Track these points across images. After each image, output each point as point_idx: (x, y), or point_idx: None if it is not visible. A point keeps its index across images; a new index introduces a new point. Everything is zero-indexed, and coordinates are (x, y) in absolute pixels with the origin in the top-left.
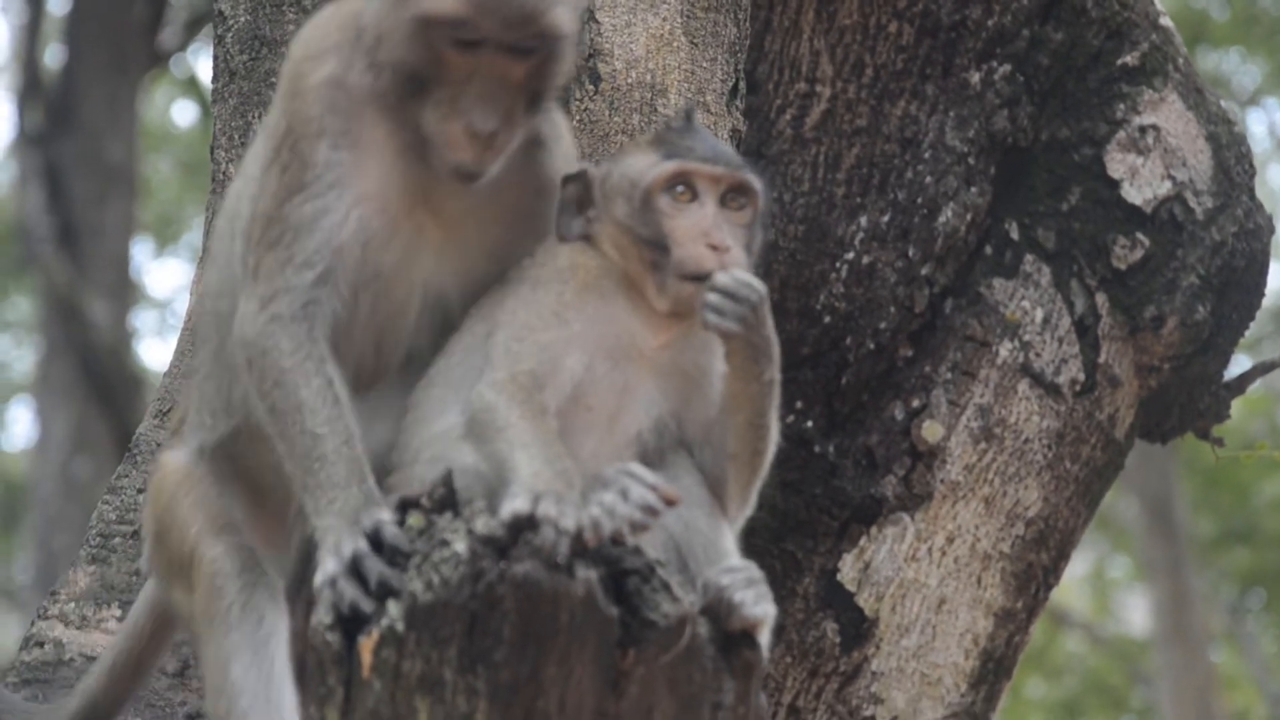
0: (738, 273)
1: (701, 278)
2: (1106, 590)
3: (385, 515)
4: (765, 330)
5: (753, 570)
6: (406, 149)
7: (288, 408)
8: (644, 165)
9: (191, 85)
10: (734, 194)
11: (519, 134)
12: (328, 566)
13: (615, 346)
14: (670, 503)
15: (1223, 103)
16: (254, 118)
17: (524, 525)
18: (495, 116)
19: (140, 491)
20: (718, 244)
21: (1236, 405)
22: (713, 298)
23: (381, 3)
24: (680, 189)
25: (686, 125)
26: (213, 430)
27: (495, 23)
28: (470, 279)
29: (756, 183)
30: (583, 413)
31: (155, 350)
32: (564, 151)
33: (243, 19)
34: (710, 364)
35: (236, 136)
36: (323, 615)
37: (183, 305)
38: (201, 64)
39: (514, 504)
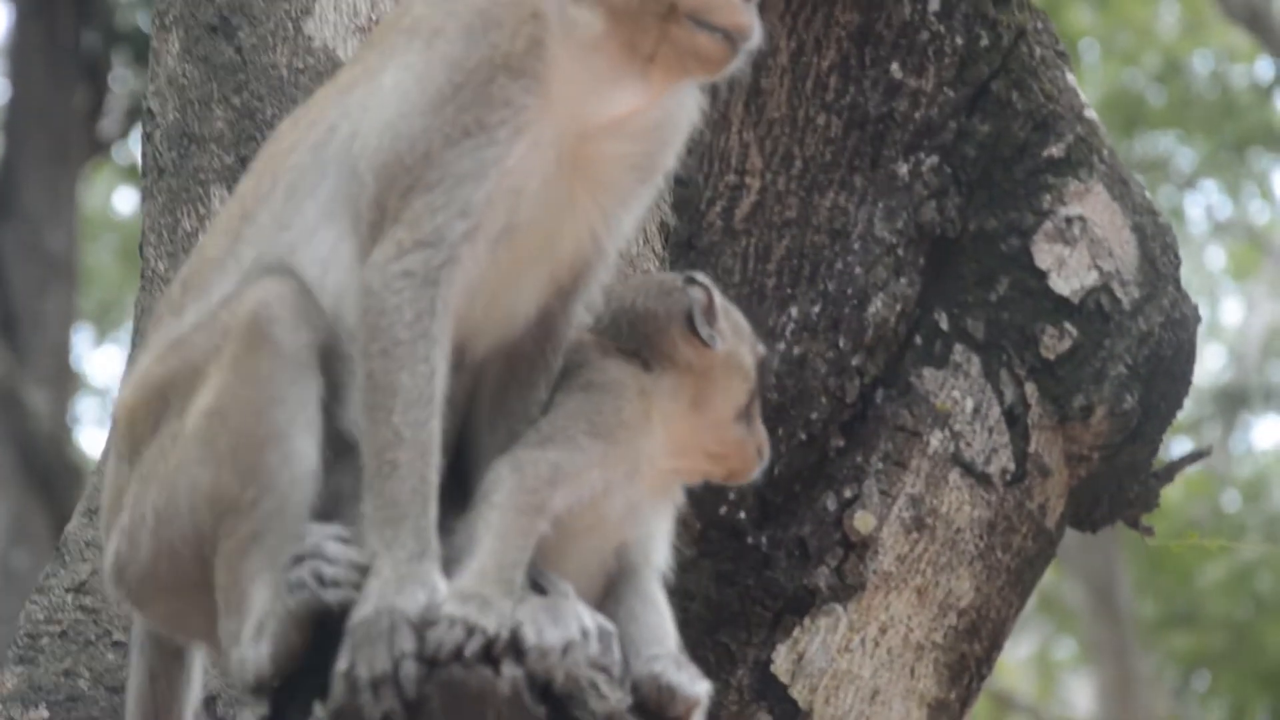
0: None
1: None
2: (1051, 673)
3: (427, 599)
4: None
5: (677, 653)
6: (601, 90)
7: (383, 385)
8: None
9: (133, 173)
10: None
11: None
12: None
13: (634, 470)
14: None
15: (1160, 185)
16: (183, 214)
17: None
18: None
19: (69, 591)
20: None
21: (1179, 488)
22: None
23: None
24: None
25: None
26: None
27: None
28: (596, 229)
29: None
30: (595, 521)
31: (96, 439)
32: (694, 102)
33: (171, 116)
34: (675, 501)
35: (165, 234)
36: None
37: None
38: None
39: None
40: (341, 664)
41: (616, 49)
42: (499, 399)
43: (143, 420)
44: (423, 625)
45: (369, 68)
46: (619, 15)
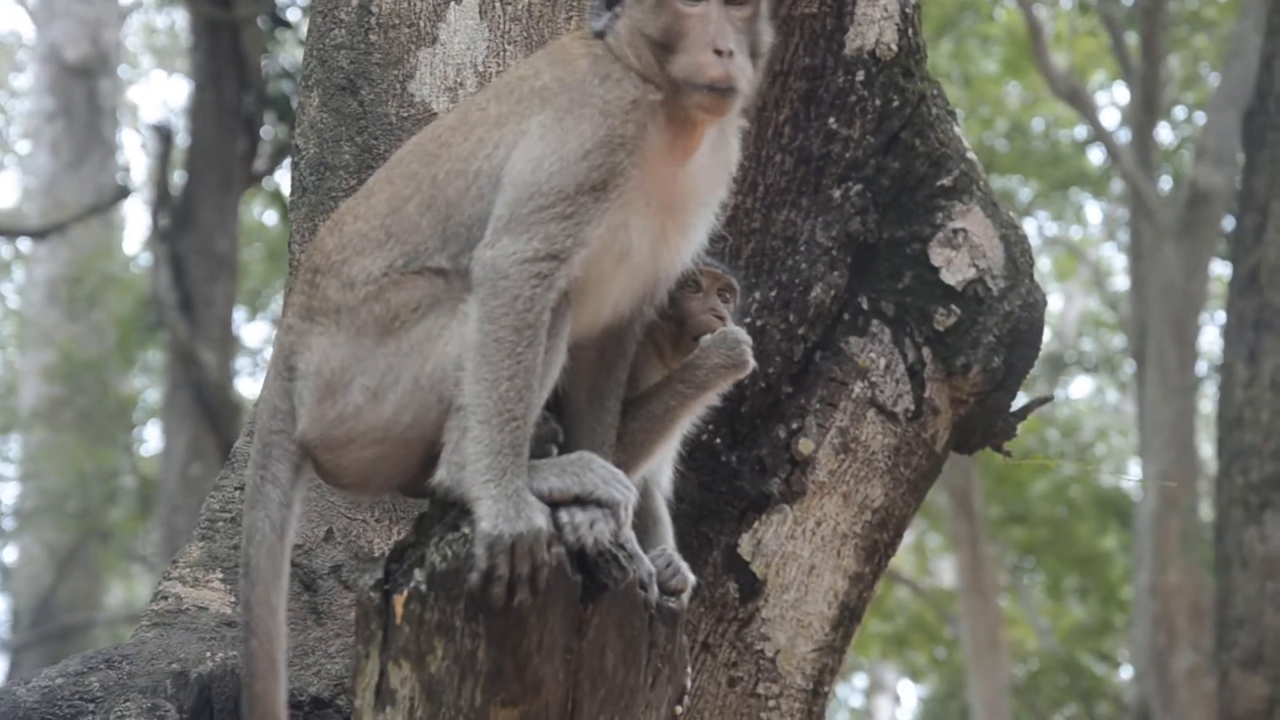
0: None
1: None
2: (925, 555)
3: (542, 522)
4: None
5: (673, 555)
6: (672, 152)
7: (511, 353)
8: None
9: (276, 197)
10: None
11: (751, 76)
12: (498, 526)
13: None
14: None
15: (1009, 213)
16: (319, 221)
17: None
18: (730, 38)
19: (236, 489)
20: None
21: (1020, 426)
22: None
23: (629, 14)
24: None
25: None
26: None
27: None
28: (680, 258)
29: None
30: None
31: (249, 386)
32: (737, 145)
33: (312, 150)
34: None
35: (307, 235)
36: (368, 579)
37: (269, 354)
38: (284, 181)
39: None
40: (481, 565)
41: (667, 116)
42: (593, 377)
43: (406, 309)
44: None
45: (517, 109)
46: (663, 91)
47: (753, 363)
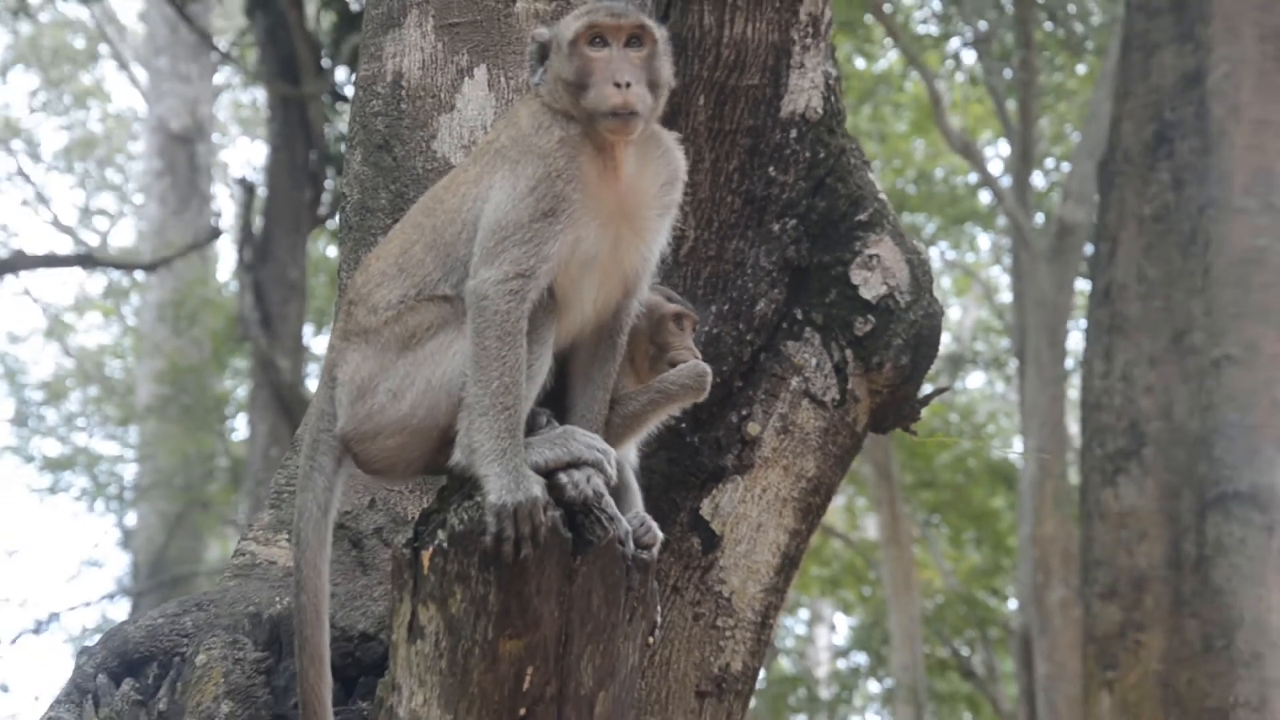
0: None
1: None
2: (854, 514)
3: (538, 491)
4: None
5: (645, 517)
6: (605, 172)
7: (498, 356)
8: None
9: (335, 234)
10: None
11: (650, 104)
12: (503, 497)
13: None
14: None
15: (914, 242)
16: (362, 253)
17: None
18: (627, 73)
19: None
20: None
21: (926, 410)
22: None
23: (552, 67)
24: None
25: None
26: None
27: (607, 18)
28: (643, 257)
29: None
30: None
31: (314, 385)
32: (680, 156)
33: (356, 196)
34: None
35: (352, 266)
36: (401, 539)
37: None
38: None
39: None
40: (492, 528)
41: (593, 145)
42: (587, 368)
43: (421, 329)
44: (545, 507)
45: (486, 169)
46: (582, 124)
47: (708, 391)
